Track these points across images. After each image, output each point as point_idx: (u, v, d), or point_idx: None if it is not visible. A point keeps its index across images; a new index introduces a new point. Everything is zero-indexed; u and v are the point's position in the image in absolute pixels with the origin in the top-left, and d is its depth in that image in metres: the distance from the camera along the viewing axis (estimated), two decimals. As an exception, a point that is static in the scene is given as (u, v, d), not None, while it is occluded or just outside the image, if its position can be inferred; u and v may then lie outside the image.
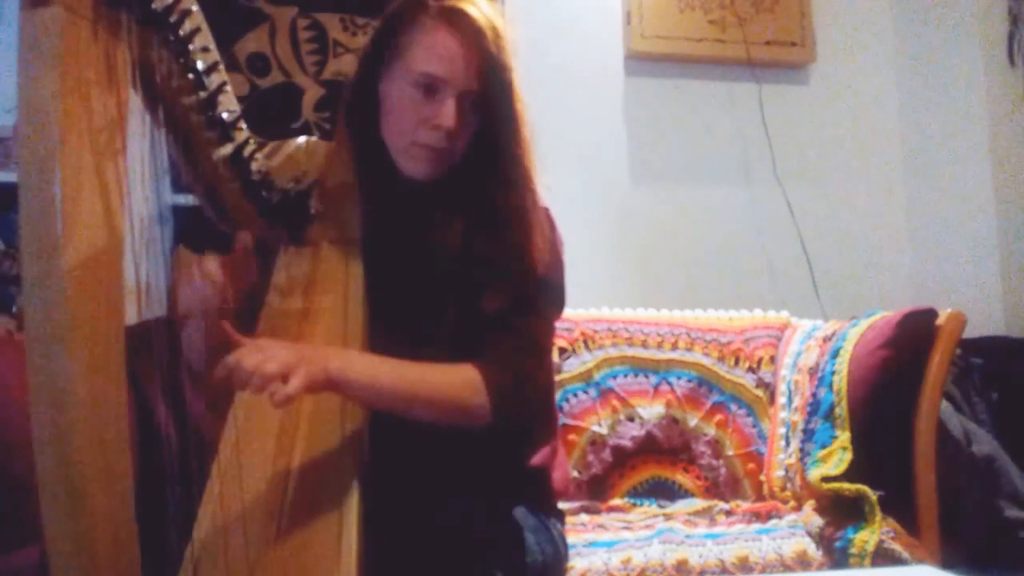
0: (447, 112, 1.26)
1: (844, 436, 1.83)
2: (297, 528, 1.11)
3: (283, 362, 1.05)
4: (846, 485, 1.73)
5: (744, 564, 1.69)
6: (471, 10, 1.25)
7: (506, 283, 1.28)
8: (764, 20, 2.82)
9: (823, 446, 1.86)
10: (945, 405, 2.04)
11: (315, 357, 1.12)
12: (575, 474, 2.17)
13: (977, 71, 2.67)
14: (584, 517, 1.96)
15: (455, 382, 1.23)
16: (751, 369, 2.30)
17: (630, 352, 2.30)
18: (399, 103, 1.30)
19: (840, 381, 1.90)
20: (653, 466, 2.22)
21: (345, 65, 2.53)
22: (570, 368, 2.25)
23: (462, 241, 1.32)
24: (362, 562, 1.09)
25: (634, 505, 2.11)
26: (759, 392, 2.28)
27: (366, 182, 1.37)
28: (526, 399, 1.30)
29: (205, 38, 1.08)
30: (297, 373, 1.06)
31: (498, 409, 1.24)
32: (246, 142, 1.16)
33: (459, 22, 1.24)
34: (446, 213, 1.34)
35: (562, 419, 2.18)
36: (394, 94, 1.30)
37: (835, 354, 1.96)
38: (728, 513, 2.00)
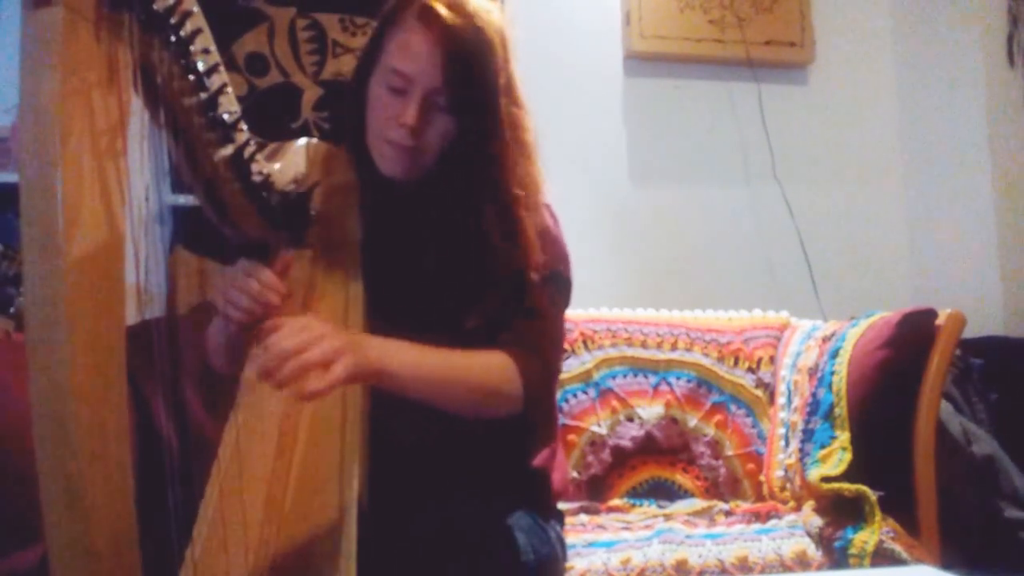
0: (410, 110, 1.26)
1: (843, 436, 1.83)
2: (297, 528, 1.11)
3: (328, 349, 1.03)
4: (846, 485, 1.74)
5: (744, 564, 1.69)
6: (444, 11, 1.24)
7: (514, 280, 1.29)
8: (764, 20, 2.82)
9: (822, 446, 1.86)
10: (945, 405, 2.04)
11: (358, 345, 1.09)
12: (574, 474, 2.17)
13: (977, 71, 2.67)
14: (583, 517, 1.96)
15: (492, 368, 1.24)
16: (751, 369, 2.30)
17: (629, 352, 2.30)
18: (374, 100, 1.31)
19: (839, 381, 1.90)
20: (652, 466, 2.22)
21: (344, 65, 2.53)
22: (569, 368, 2.25)
23: (452, 244, 1.32)
24: (361, 563, 1.09)
25: (633, 505, 2.11)
26: (759, 392, 2.28)
27: (365, 183, 1.38)
28: (551, 388, 1.30)
29: (206, 39, 1.07)
30: (341, 362, 1.03)
31: (529, 396, 1.25)
32: (247, 143, 1.16)
33: (432, 21, 1.24)
34: (434, 214, 1.34)
35: (561, 419, 2.18)
36: (372, 90, 1.31)
37: (834, 354, 1.96)
38: (727, 513, 2.00)
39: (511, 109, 1.31)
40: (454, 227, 1.32)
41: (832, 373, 1.93)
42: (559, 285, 1.36)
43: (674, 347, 2.32)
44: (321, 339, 1.03)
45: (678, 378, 2.28)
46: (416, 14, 1.26)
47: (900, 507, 1.74)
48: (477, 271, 1.30)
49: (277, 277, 1.25)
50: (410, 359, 1.17)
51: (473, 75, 1.26)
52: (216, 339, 1.34)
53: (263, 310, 1.23)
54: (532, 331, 1.28)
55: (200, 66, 1.08)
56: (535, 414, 1.29)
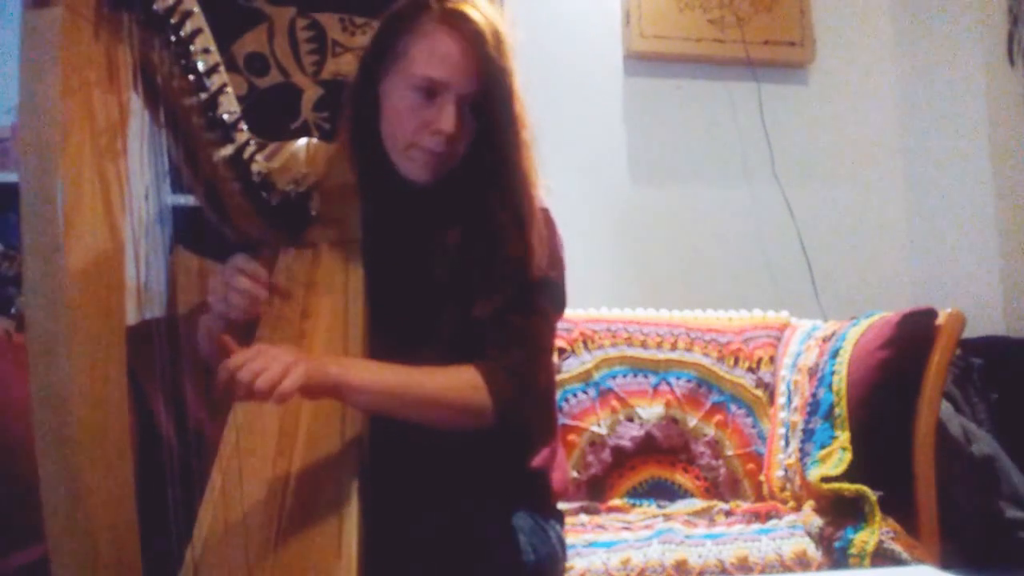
0: (447, 116, 1.26)
1: (844, 436, 1.83)
2: (297, 529, 1.11)
3: (283, 364, 1.06)
4: (846, 485, 1.73)
5: (743, 564, 1.69)
6: (472, 13, 1.25)
7: (505, 284, 1.28)
8: (763, 20, 2.82)
9: (823, 446, 1.86)
10: (945, 405, 2.04)
11: (314, 360, 1.12)
12: (574, 474, 2.17)
13: (977, 71, 2.67)
14: (583, 517, 1.96)
15: (457, 384, 1.23)
16: (751, 369, 2.30)
17: (629, 352, 2.30)
18: (399, 106, 1.29)
19: (840, 381, 1.90)
20: (652, 466, 2.22)
21: (344, 65, 2.53)
22: (569, 368, 2.25)
23: (461, 243, 1.32)
24: (362, 563, 1.09)
25: (633, 505, 2.11)
26: (759, 392, 2.28)
27: (366, 183, 1.37)
28: (528, 399, 1.30)
29: (206, 39, 1.08)
30: (296, 370, 1.06)
31: (500, 410, 1.24)
32: (247, 143, 1.16)
33: (460, 25, 1.24)
34: (445, 215, 1.34)
35: (561, 419, 2.18)
36: (394, 96, 1.30)
37: (835, 354, 1.96)
38: (727, 513, 2.00)
39: (519, 107, 1.32)
40: (468, 226, 1.32)
41: (832, 373, 1.93)
42: (551, 292, 1.36)
43: (674, 347, 2.32)
44: (274, 360, 1.06)
45: (678, 378, 2.28)
46: (439, 19, 1.26)
47: (900, 507, 1.74)
48: (485, 271, 1.30)
49: (272, 274, 1.25)
50: (371, 376, 1.18)
51: (501, 76, 1.26)
52: (205, 337, 1.33)
53: (254, 306, 1.24)
54: (510, 345, 1.27)
55: (200, 66, 1.08)
56: (512, 424, 1.28)
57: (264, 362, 1.05)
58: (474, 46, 1.24)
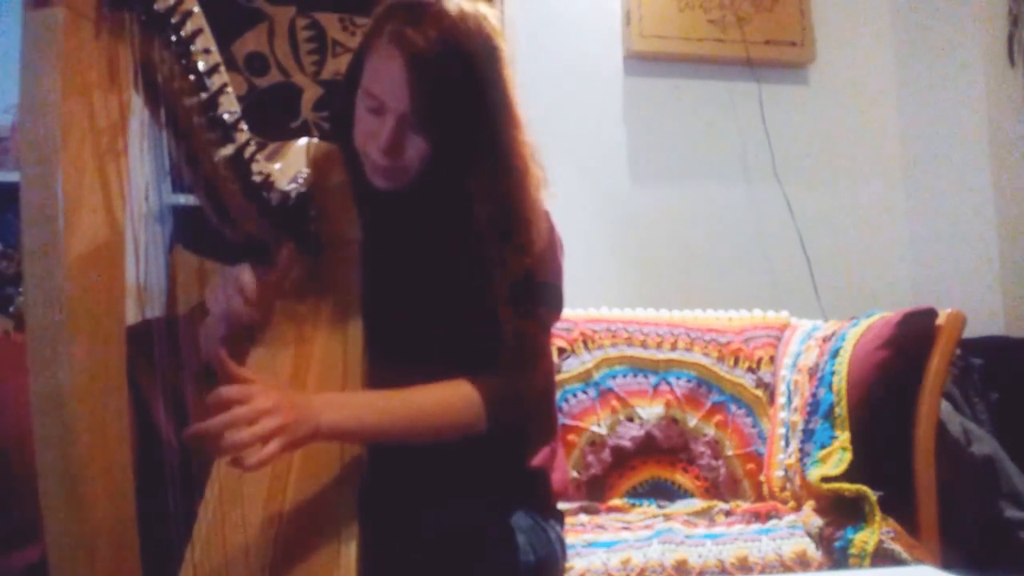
0: (383, 132, 1.26)
1: (844, 436, 1.83)
2: (297, 528, 1.12)
3: (263, 430, 1.03)
4: (846, 485, 1.74)
5: (743, 564, 1.69)
6: (413, 34, 1.22)
7: (502, 289, 1.28)
8: (764, 20, 2.82)
9: (823, 446, 1.86)
10: (945, 405, 2.04)
11: (304, 418, 1.09)
12: (574, 474, 2.17)
13: (977, 71, 2.67)
14: (583, 517, 1.97)
15: (451, 403, 1.24)
16: (751, 369, 2.30)
17: (629, 352, 2.30)
18: (358, 112, 1.31)
19: (840, 381, 1.90)
20: (652, 466, 2.22)
21: (344, 65, 2.52)
22: (569, 368, 2.25)
23: (456, 251, 1.32)
24: (361, 563, 1.09)
25: (633, 505, 2.11)
26: (759, 392, 2.28)
27: (358, 187, 1.38)
28: (522, 408, 1.31)
29: (207, 39, 1.07)
30: (276, 440, 1.04)
31: (493, 422, 1.25)
32: (247, 143, 1.16)
33: (402, 45, 1.23)
34: (423, 225, 1.33)
35: (561, 419, 2.18)
36: (357, 106, 1.31)
37: (835, 354, 1.96)
38: (727, 513, 2.00)
39: (496, 127, 1.30)
40: (435, 239, 1.32)
41: (832, 373, 1.93)
42: (548, 295, 1.36)
43: (674, 347, 2.32)
44: (263, 415, 1.03)
45: (678, 378, 2.28)
46: (389, 36, 1.25)
47: (900, 507, 1.74)
48: (447, 288, 1.30)
49: (278, 279, 1.25)
50: (362, 420, 1.18)
51: (443, 99, 1.24)
52: (208, 341, 1.33)
53: (250, 319, 1.24)
54: (506, 350, 1.28)
55: (200, 66, 1.08)
56: (505, 431, 1.29)
57: (244, 415, 1.02)
58: (409, 68, 1.22)
